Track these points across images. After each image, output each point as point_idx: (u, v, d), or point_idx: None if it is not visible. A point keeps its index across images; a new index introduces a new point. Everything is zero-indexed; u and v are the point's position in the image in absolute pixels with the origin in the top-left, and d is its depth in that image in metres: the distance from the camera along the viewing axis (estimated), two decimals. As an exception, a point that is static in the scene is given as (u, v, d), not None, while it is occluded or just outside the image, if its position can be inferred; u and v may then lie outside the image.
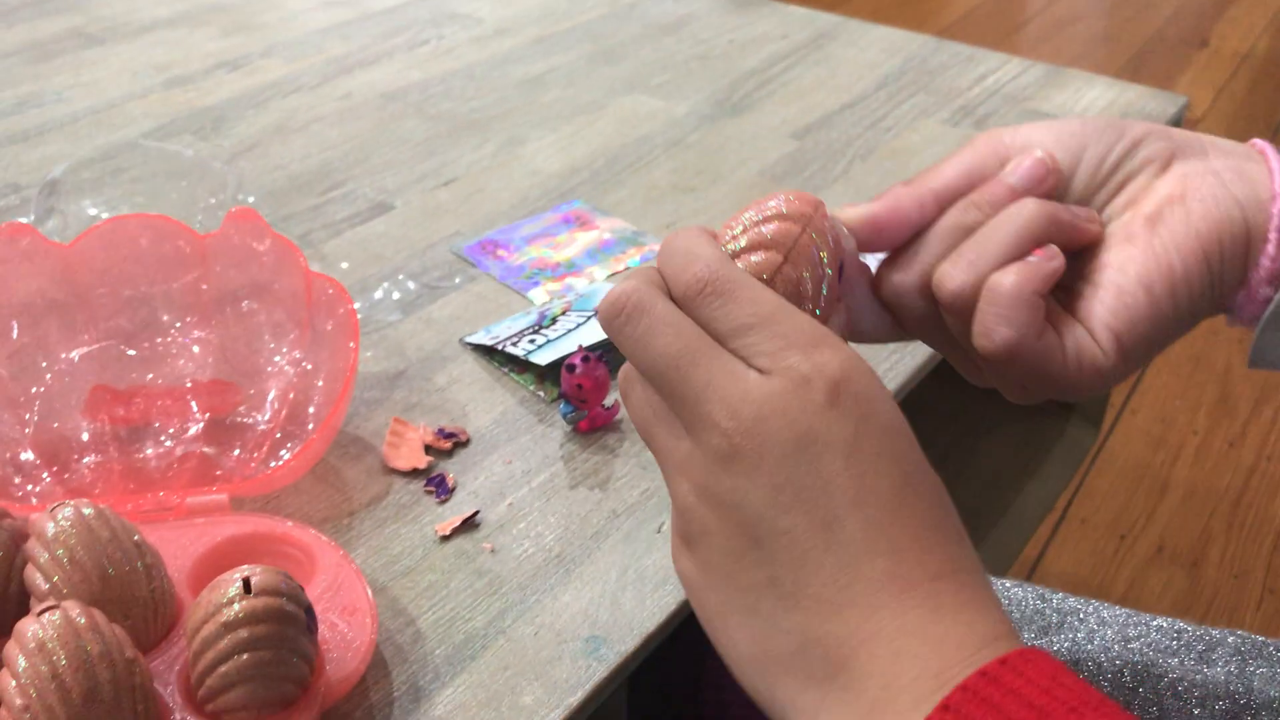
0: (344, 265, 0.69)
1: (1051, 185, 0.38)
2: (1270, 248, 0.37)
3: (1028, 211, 0.37)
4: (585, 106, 0.91)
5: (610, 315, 0.34)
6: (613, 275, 0.71)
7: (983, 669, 0.28)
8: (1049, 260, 0.36)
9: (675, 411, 0.33)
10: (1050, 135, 0.39)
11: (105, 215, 0.71)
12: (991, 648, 0.29)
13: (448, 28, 1.04)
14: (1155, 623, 0.50)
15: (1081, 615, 0.50)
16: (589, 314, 0.65)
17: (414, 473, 0.55)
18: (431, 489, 0.54)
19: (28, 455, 0.52)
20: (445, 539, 0.52)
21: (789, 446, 0.30)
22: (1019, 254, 0.37)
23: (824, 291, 0.35)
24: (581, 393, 0.57)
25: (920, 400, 0.73)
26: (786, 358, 0.31)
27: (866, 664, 0.29)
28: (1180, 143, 0.39)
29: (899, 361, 0.64)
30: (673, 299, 0.34)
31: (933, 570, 0.30)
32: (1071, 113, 0.92)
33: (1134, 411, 1.51)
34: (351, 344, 0.53)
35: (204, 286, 0.57)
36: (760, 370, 0.31)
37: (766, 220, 0.35)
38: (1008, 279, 0.36)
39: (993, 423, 1.07)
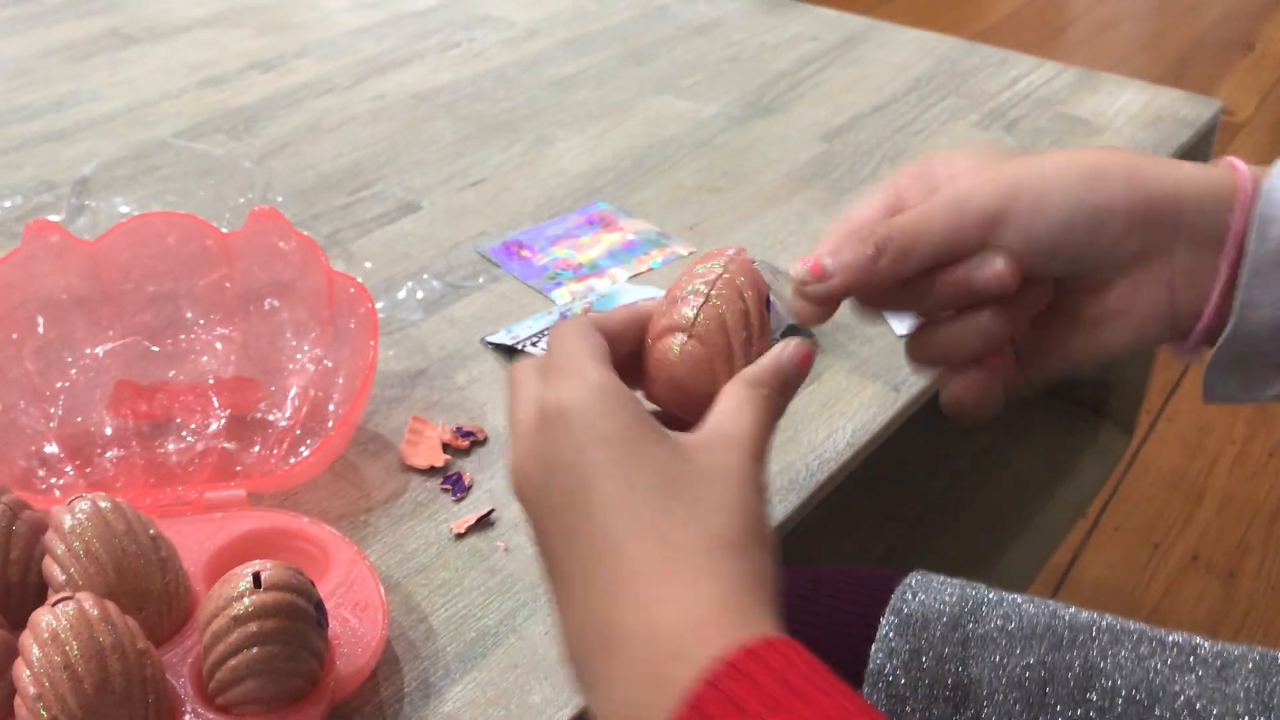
0: (368, 265, 0.70)
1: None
2: (1209, 307, 0.39)
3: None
4: (614, 107, 0.91)
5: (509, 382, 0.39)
6: (634, 276, 0.71)
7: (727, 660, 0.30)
8: None
9: None
10: (978, 177, 0.40)
11: (135, 213, 0.72)
12: (715, 623, 0.31)
13: (479, 30, 1.04)
14: (1170, 639, 0.49)
15: (1094, 631, 0.49)
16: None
17: (431, 471, 0.55)
18: (448, 487, 0.55)
19: (52, 448, 0.53)
20: (460, 537, 0.52)
21: (539, 475, 0.35)
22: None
23: (746, 321, 0.39)
24: (599, 393, 0.57)
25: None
26: (546, 388, 0.36)
27: (621, 641, 0.32)
28: (1152, 239, 0.39)
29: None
30: None
31: (656, 558, 0.32)
32: (1104, 117, 0.91)
33: (1170, 418, 1.49)
34: (371, 342, 0.54)
35: (228, 284, 0.58)
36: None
37: (701, 261, 0.40)
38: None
39: (1023, 429, 1.06)
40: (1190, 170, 0.39)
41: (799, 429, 0.59)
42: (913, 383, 0.63)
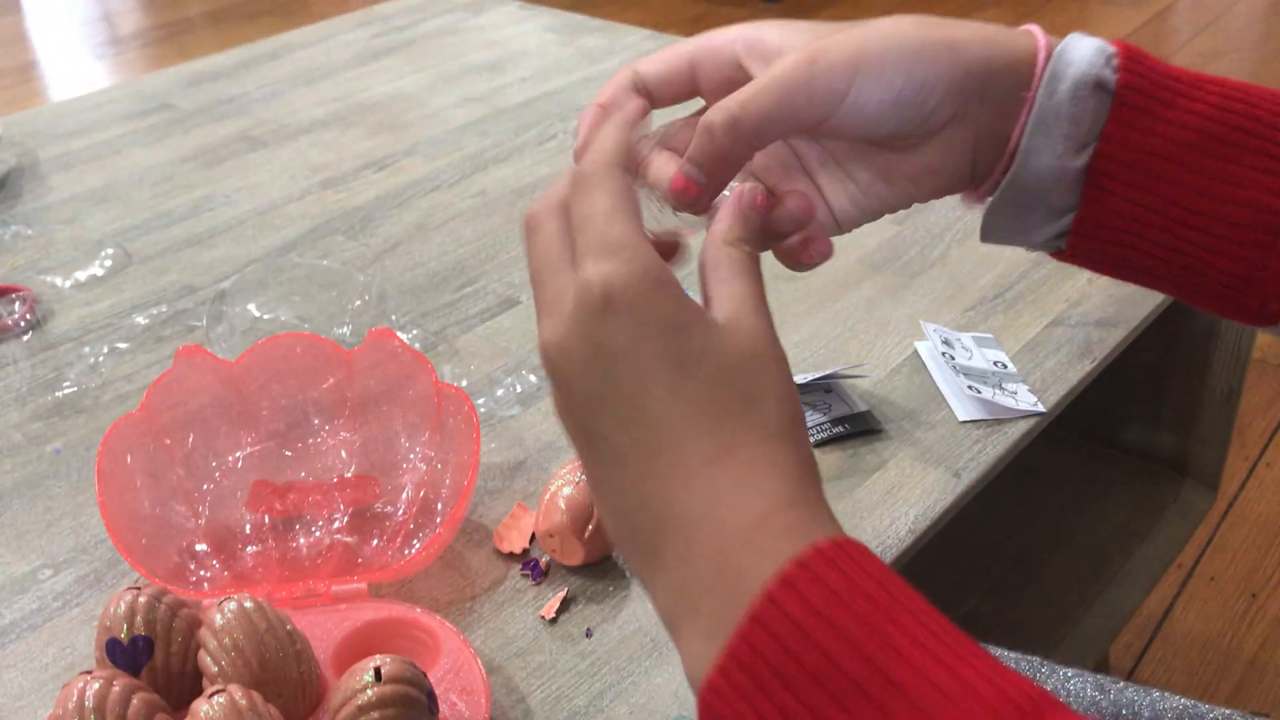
0: (472, 366, 0.77)
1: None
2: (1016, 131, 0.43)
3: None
4: (698, 196, 0.97)
5: (523, 228, 0.40)
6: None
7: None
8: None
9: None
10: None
11: (266, 317, 0.80)
12: (781, 515, 0.33)
13: (573, 121, 1.12)
14: (1213, 715, 0.53)
15: (1138, 707, 0.53)
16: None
17: (517, 556, 0.62)
18: (527, 572, 0.61)
19: (201, 546, 0.61)
20: (552, 621, 0.59)
21: (585, 362, 0.36)
22: None
23: None
24: (677, 488, 0.63)
25: (1029, 464, 0.77)
26: (584, 266, 0.36)
27: (684, 528, 0.34)
28: (964, 106, 0.43)
29: (994, 431, 0.68)
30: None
31: (717, 448, 0.34)
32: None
33: (1269, 464, 1.49)
34: (474, 446, 0.61)
35: (348, 393, 0.66)
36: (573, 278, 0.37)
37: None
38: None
39: (1104, 486, 1.09)
40: (998, 38, 0.43)
41: (863, 517, 0.64)
42: (974, 467, 0.68)
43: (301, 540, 0.62)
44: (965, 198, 0.47)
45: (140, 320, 0.83)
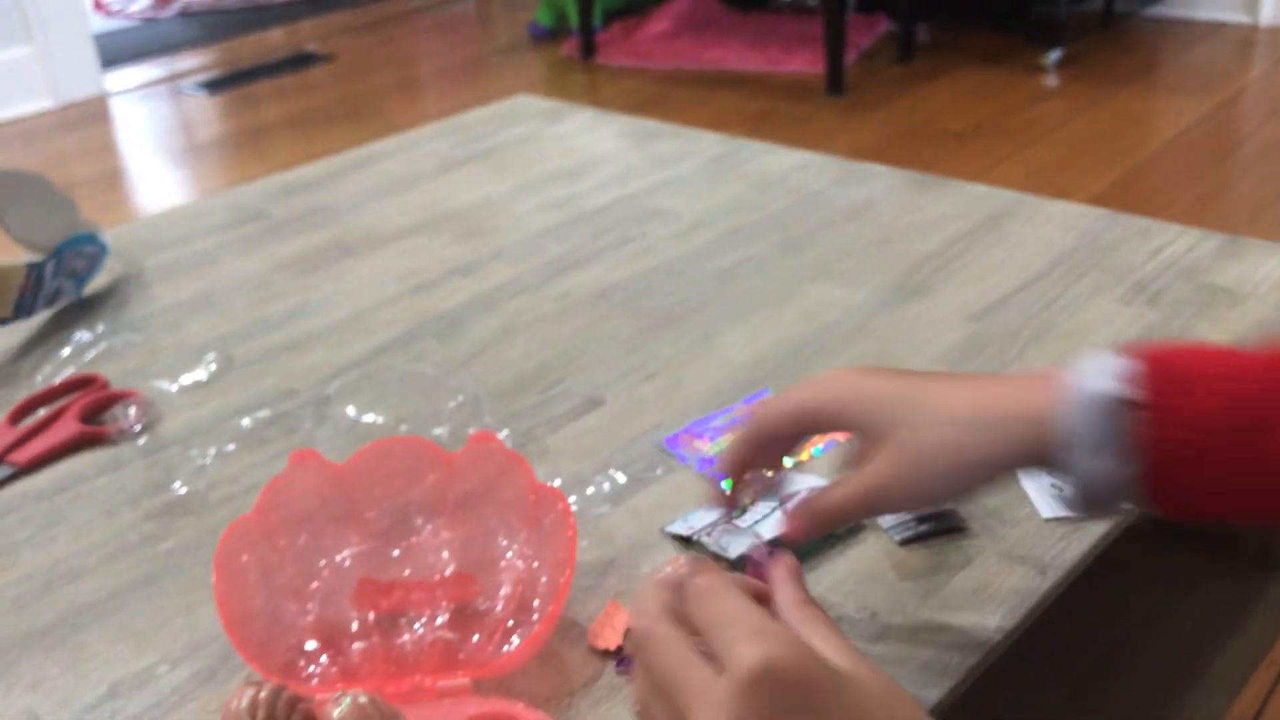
0: (561, 465, 0.80)
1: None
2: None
3: None
4: (773, 297, 1.00)
5: (631, 646, 0.51)
6: (798, 464, 0.79)
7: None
8: None
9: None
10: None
11: (365, 420, 0.84)
12: None
13: (650, 224, 1.16)
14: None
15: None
16: (775, 504, 0.73)
17: (612, 653, 0.64)
18: (623, 669, 0.63)
19: (310, 643, 0.63)
20: (650, 718, 0.60)
21: None
22: None
23: None
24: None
25: (1112, 561, 0.77)
26: (739, 652, 0.42)
27: None
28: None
29: (1078, 528, 0.69)
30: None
31: None
32: (1249, 284, 0.95)
33: (1357, 559, 1.46)
34: (569, 546, 0.63)
35: (448, 494, 0.68)
36: (722, 668, 0.43)
37: None
38: None
39: (1189, 582, 1.08)
40: (1021, 413, 0.54)
41: (952, 614, 0.65)
42: (1059, 565, 0.69)
43: (405, 636, 0.64)
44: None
45: (244, 423, 0.87)
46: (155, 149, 3.11)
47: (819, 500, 0.59)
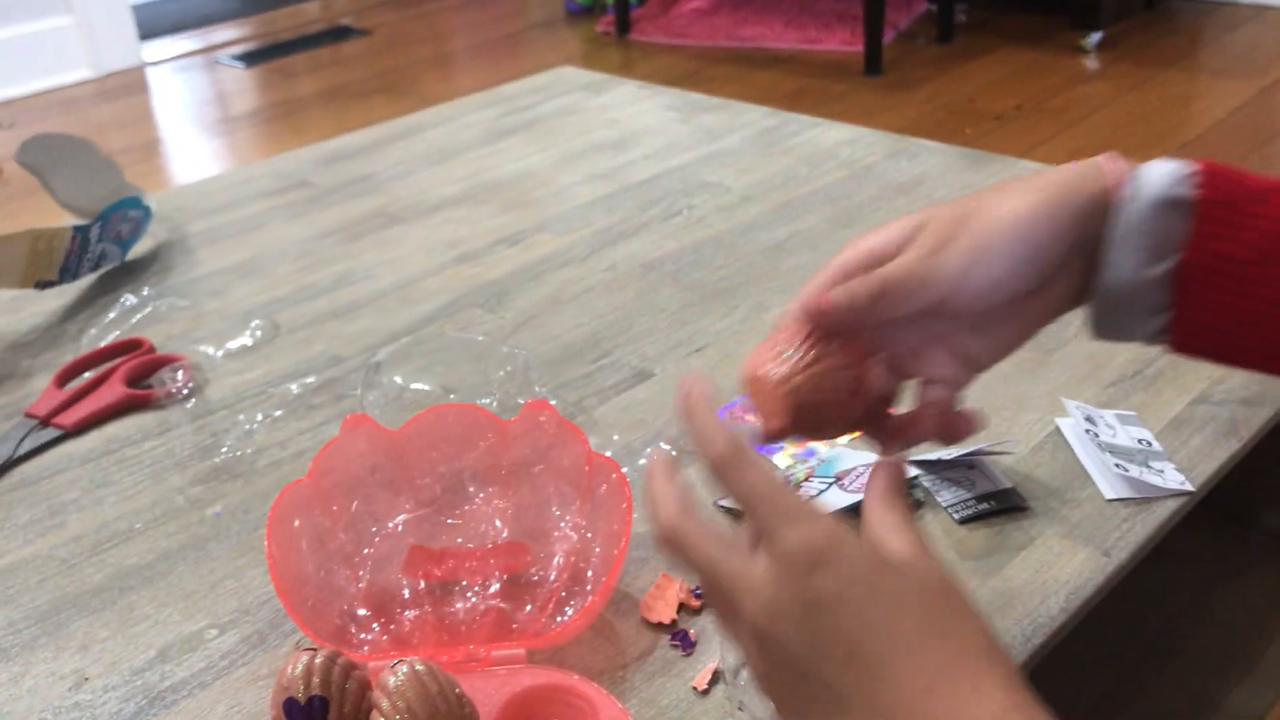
0: (614, 437, 0.78)
1: None
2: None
3: None
4: (825, 271, 0.98)
5: (662, 550, 0.47)
6: (852, 439, 0.77)
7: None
8: None
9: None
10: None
11: (413, 386, 0.83)
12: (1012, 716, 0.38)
13: (698, 197, 1.14)
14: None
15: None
16: (830, 480, 0.72)
17: (665, 626, 0.63)
18: (676, 643, 0.62)
19: (362, 610, 0.63)
20: (704, 693, 0.59)
21: (801, 619, 0.41)
22: None
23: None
24: (826, 561, 0.63)
25: (1164, 543, 0.76)
26: (777, 535, 0.42)
27: None
28: (1068, 257, 0.53)
29: (1142, 510, 0.68)
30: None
31: (937, 673, 0.39)
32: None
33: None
34: (625, 516, 0.62)
35: (502, 461, 0.67)
36: (764, 550, 0.42)
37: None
38: None
39: (1241, 568, 1.06)
40: (1083, 185, 0.51)
41: (1013, 596, 0.64)
42: (1123, 546, 0.67)
43: (458, 605, 0.63)
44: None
45: (293, 388, 0.86)
46: (192, 120, 3.11)
47: (872, 273, 0.52)
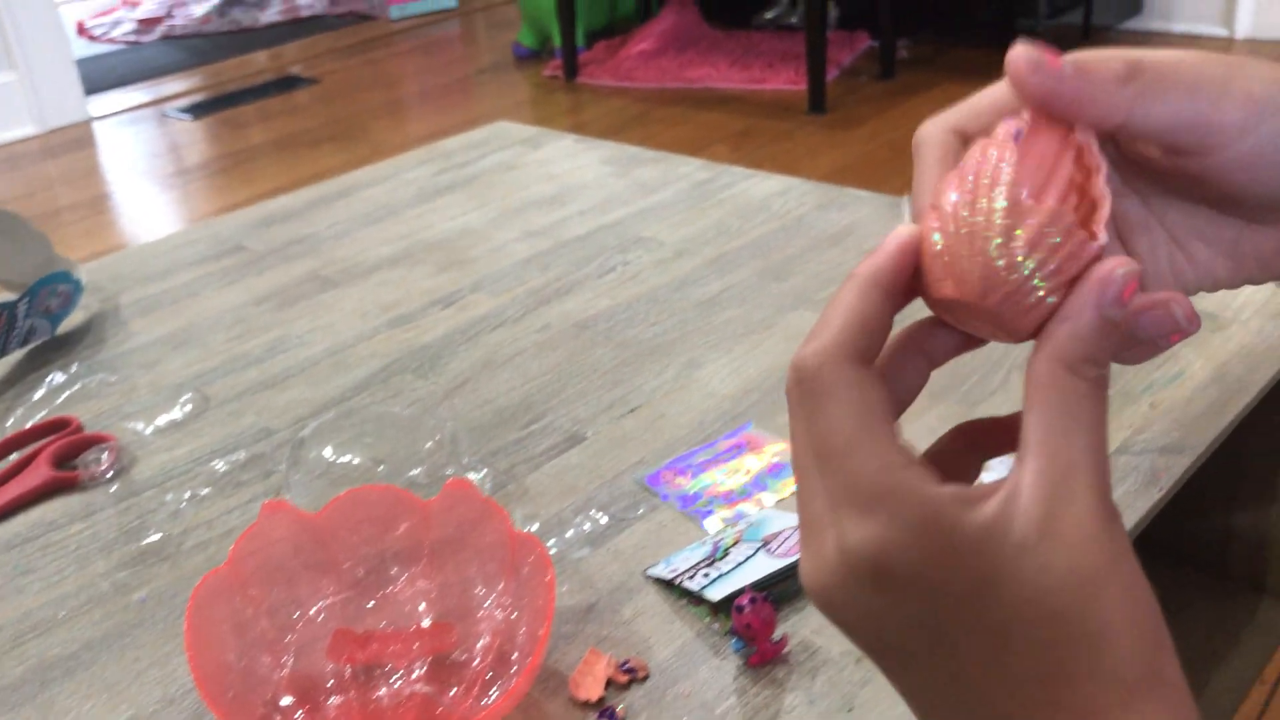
0: (542, 507, 0.78)
1: None
2: None
3: None
4: (756, 325, 0.99)
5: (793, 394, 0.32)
6: (780, 501, 0.78)
7: None
8: None
9: None
10: None
11: (341, 460, 0.83)
12: None
13: (633, 252, 1.15)
14: None
15: None
16: (758, 545, 0.72)
17: (593, 704, 0.63)
18: (607, 720, 0.62)
19: (286, 699, 0.62)
20: (632, 771, 0.59)
21: (862, 629, 0.31)
22: None
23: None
24: (750, 631, 0.63)
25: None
26: (843, 524, 0.30)
27: None
28: None
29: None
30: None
31: None
32: (1230, 310, 0.94)
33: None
34: (548, 595, 0.62)
35: (424, 541, 0.67)
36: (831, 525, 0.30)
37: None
38: None
39: (1179, 606, 1.08)
40: None
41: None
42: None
43: (383, 690, 0.63)
44: None
45: (220, 466, 0.85)
46: (141, 174, 3.10)
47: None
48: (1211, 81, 0.31)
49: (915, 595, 0.29)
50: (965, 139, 0.34)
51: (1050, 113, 0.31)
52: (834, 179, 2.56)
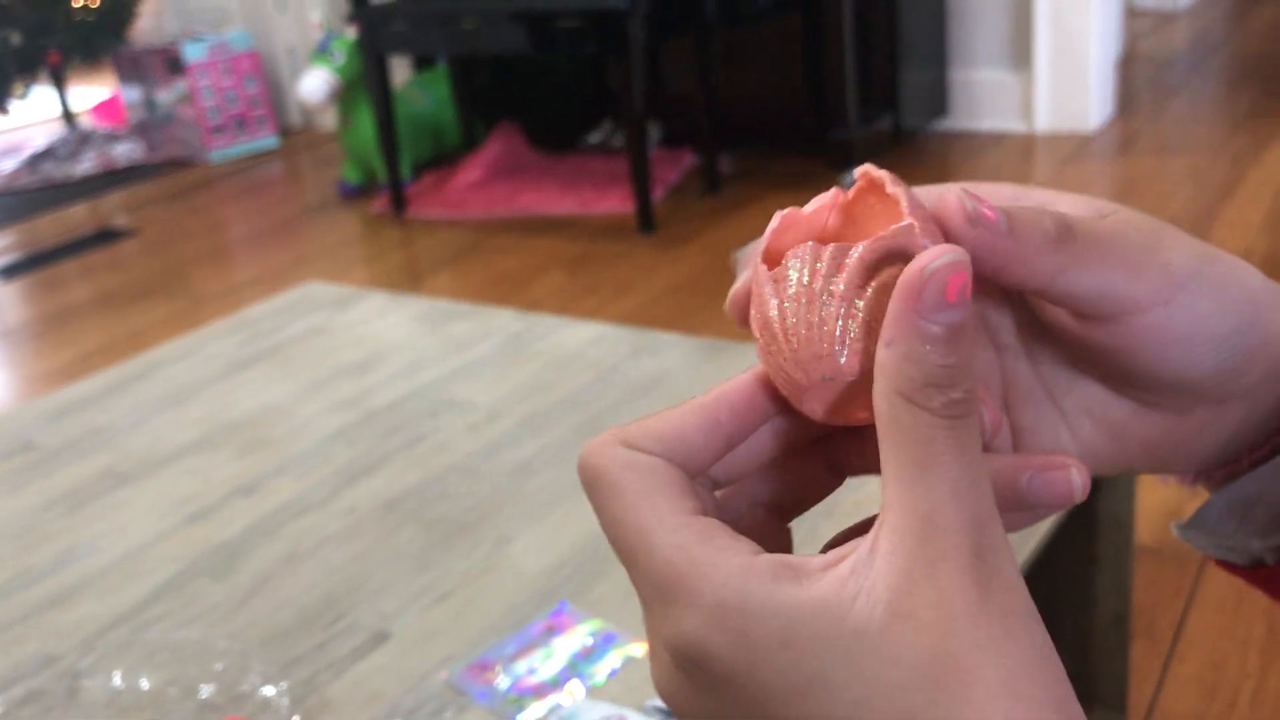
0: (348, 718, 0.74)
1: None
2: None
3: None
4: (569, 489, 0.97)
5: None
6: (593, 689, 0.75)
7: None
8: None
9: None
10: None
11: (128, 687, 0.77)
12: None
13: (444, 418, 1.12)
14: None
15: None
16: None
17: None
18: None
19: None
20: None
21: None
22: None
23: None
24: None
25: None
26: (654, 622, 0.27)
27: None
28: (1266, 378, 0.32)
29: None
30: None
31: None
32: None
33: (1181, 660, 1.50)
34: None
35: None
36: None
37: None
38: None
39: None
40: None
41: None
42: None
43: None
44: (1181, 476, 0.35)
45: (-8, 709, 0.79)
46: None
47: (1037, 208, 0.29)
48: (1136, 249, 0.29)
49: (735, 695, 0.25)
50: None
51: (978, 269, 0.27)
52: (669, 298, 2.59)
